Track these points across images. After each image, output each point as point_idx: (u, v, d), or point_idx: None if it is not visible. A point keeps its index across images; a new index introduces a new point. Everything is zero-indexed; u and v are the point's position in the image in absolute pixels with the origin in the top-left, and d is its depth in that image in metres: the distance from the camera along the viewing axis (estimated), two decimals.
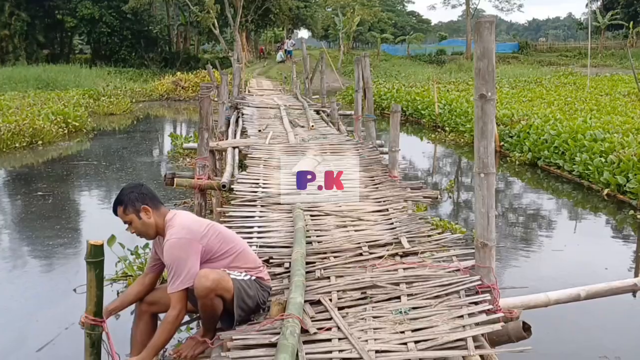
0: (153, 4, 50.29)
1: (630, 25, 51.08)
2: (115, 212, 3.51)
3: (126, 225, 3.52)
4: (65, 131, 17.58)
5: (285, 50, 46.15)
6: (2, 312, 5.78)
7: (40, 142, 15.85)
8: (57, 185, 11.46)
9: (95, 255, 3.20)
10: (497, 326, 3.29)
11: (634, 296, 5.89)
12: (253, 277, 3.58)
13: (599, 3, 63.76)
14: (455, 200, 10.96)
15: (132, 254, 6.56)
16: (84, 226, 8.99)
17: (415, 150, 15.83)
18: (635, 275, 6.80)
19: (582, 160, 10.91)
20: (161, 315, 3.70)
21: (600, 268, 6.90)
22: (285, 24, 53.44)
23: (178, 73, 35.45)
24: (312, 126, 10.46)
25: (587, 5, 66.57)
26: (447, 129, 17.37)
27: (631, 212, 8.94)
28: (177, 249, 3.35)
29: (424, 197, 6.09)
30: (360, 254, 4.42)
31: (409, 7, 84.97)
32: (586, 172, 10.68)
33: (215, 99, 11.82)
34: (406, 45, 57.61)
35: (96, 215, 9.46)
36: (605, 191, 9.91)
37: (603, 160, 10.45)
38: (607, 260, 7.29)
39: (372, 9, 58.54)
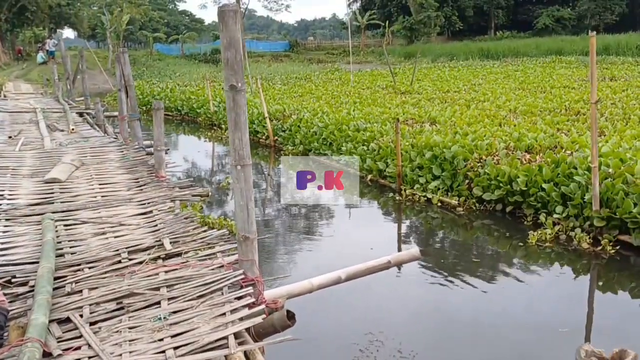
0: None
1: (386, 25, 56.09)
2: None
3: None
4: None
5: (47, 50, 42.50)
6: None
7: None
8: None
9: None
10: (259, 319, 3.25)
11: (400, 271, 6.37)
12: None
13: (358, 4, 69.08)
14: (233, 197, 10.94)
15: None
16: None
17: (192, 150, 15.54)
18: (398, 251, 7.37)
19: (347, 149, 11.59)
20: None
21: (367, 249, 7.31)
22: (46, 22, 49.27)
23: None
24: (73, 129, 9.65)
25: (348, 5, 71.86)
26: (223, 126, 17.34)
27: (391, 194, 9.68)
28: None
29: (193, 196, 5.91)
30: (119, 262, 4.11)
31: (181, 7, 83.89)
32: (351, 160, 11.35)
33: None
34: (180, 44, 56.73)
35: None
36: (369, 177, 10.62)
37: (365, 148, 11.19)
38: (373, 240, 7.79)
39: (142, 7, 56.62)
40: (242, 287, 3.61)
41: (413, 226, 8.76)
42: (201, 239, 4.44)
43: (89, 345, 3.02)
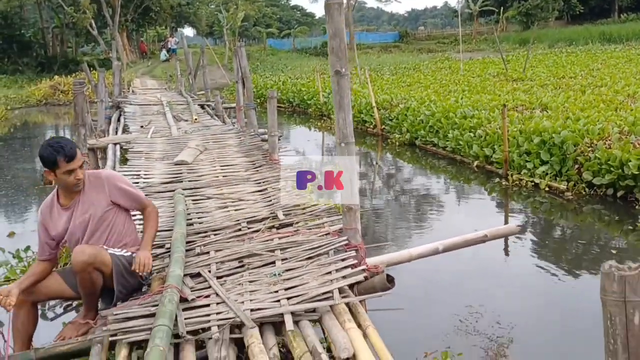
0: (24, 7, 47.61)
1: (500, 11, 54.47)
2: (71, 157, 3.52)
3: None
4: None
5: (170, 48, 45.25)
6: None
7: None
8: None
9: None
10: (361, 277, 3.63)
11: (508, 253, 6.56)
12: (133, 254, 3.72)
13: None
14: None
15: (14, 257, 6.40)
16: None
17: (303, 138, 16.24)
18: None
19: (454, 136, 11.70)
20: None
21: (471, 229, 7.51)
22: (167, 22, 52.39)
23: (56, 77, 33.86)
24: (195, 119, 10.54)
25: None
26: (332, 116, 17.90)
27: (497, 179, 9.74)
28: (120, 178, 3.94)
29: None
30: (239, 230, 4.65)
31: (293, 1, 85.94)
32: (458, 147, 11.48)
33: (95, 100, 11.62)
34: (292, 39, 58.21)
35: None
36: (475, 163, 10.70)
37: (472, 135, 11.26)
38: (478, 223, 7.96)
39: (256, 4, 58.70)
40: (345, 252, 4.01)
41: (519, 210, 8.78)
42: (310, 211, 4.89)
43: (217, 294, 3.54)
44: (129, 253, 3.71)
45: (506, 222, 8.34)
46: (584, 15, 56.95)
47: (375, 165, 13.07)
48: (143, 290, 3.79)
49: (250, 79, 9.08)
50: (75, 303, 5.13)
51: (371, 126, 15.48)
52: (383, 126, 14.86)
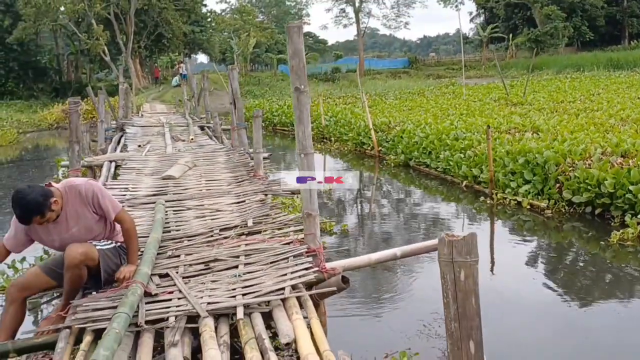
0: (40, 34, 48.83)
1: (509, 38, 55.05)
2: (28, 220, 3.86)
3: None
4: None
5: (181, 74, 46.15)
6: None
7: None
8: None
9: None
10: (311, 276, 3.93)
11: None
12: (117, 244, 4.20)
13: (481, 18, 68.30)
14: (331, 198, 11.58)
15: (9, 268, 6.74)
16: None
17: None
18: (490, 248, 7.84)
19: (445, 157, 12.01)
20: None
21: None
22: (180, 48, 53.41)
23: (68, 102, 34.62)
24: (192, 139, 10.95)
25: (470, 20, 71.27)
26: (332, 139, 18.31)
27: (482, 198, 10.00)
28: (98, 189, 4.15)
29: (283, 191, 6.73)
30: (212, 236, 4.99)
31: (306, 28, 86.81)
32: (448, 167, 11.78)
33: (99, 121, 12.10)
34: None
35: None
36: (464, 183, 10.99)
37: (462, 156, 11.56)
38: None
39: (267, 31, 59.75)
40: (305, 257, 4.32)
41: (501, 227, 9.04)
42: (279, 221, 5.22)
43: (180, 291, 3.86)
44: (113, 244, 4.13)
45: (491, 239, 8.61)
46: (594, 42, 57.31)
47: (372, 185, 13.39)
48: (114, 286, 4.11)
49: (240, 100, 9.48)
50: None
51: (369, 148, 15.83)
52: (380, 148, 15.20)
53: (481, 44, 62.29)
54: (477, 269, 2.09)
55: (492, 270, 6.95)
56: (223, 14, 66.25)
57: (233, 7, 71.24)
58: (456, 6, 51.70)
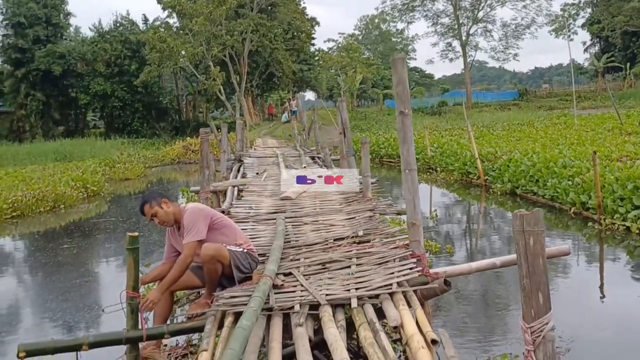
0: (162, 77, 52.80)
1: (627, 67, 52.86)
2: (142, 210, 4.86)
3: (149, 220, 4.88)
4: (85, 195, 18.87)
5: (291, 110, 48.07)
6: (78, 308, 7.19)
7: (62, 206, 17.03)
8: (80, 239, 12.61)
9: (132, 244, 4.33)
10: (415, 274, 4.43)
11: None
12: (245, 250, 4.93)
13: (597, 48, 65.94)
14: (436, 222, 11.91)
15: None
16: (105, 267, 10.17)
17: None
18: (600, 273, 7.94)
19: (552, 184, 12.06)
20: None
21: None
22: (289, 86, 55.63)
23: (188, 139, 37.22)
24: (305, 167, 11.78)
25: (585, 50, 68.96)
26: (438, 169, 18.65)
27: (590, 224, 9.99)
28: (192, 215, 4.79)
29: (389, 210, 7.27)
30: (327, 244, 5.62)
31: (412, 63, 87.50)
32: (556, 194, 11.81)
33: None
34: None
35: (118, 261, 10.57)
36: (572, 209, 11.01)
37: (570, 183, 11.58)
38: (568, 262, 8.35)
39: (373, 67, 61.01)
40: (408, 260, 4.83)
41: (610, 251, 9.04)
42: (386, 232, 5.77)
43: (302, 285, 4.49)
44: (241, 249, 4.86)
45: (601, 264, 8.62)
46: None
47: (479, 212, 13.62)
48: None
49: (349, 129, 10.19)
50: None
51: (475, 177, 16.04)
52: (486, 177, 15.37)
53: (596, 74, 60.16)
54: (544, 238, 2.60)
55: (602, 292, 7.11)
56: (330, 52, 68.52)
57: (340, 45, 73.63)
58: (568, 36, 50.23)
